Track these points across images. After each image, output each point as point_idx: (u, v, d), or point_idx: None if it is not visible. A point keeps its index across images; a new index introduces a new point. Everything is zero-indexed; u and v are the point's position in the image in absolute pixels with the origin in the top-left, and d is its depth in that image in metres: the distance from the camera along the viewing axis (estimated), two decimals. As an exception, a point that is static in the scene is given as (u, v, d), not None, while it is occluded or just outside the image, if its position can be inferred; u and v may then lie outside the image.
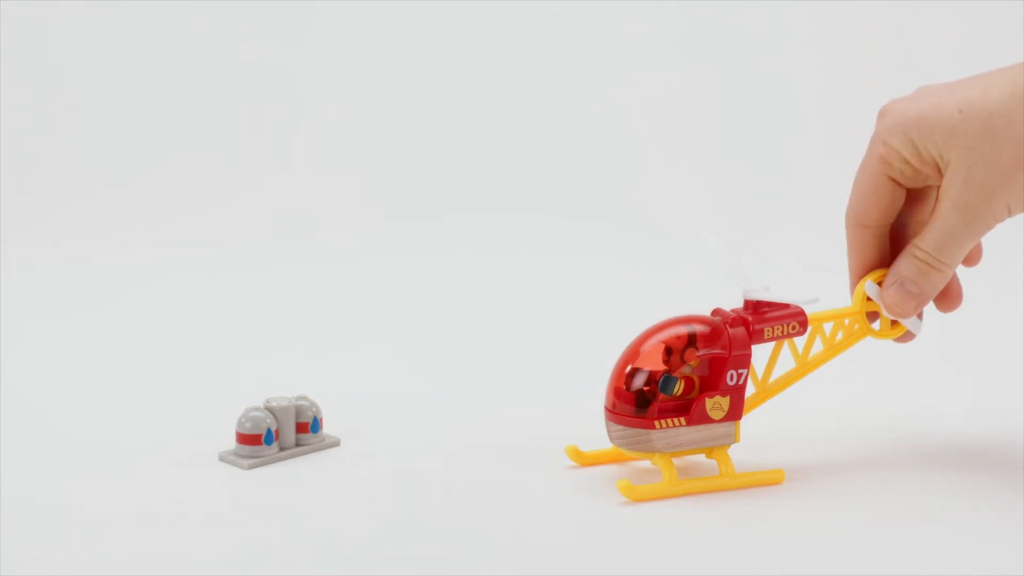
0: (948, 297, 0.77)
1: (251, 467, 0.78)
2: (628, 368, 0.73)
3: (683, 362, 0.73)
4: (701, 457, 0.76)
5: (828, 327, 0.76)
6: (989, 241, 0.76)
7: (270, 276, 1.21)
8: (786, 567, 0.66)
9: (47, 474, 0.77)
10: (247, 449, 0.78)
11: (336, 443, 0.82)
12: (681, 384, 0.73)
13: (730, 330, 0.73)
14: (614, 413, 0.73)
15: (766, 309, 0.74)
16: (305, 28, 1.49)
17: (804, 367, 0.76)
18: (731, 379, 0.73)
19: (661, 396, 0.73)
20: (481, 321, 1.08)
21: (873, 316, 0.77)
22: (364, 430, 0.84)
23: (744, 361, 0.73)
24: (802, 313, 0.74)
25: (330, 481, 0.77)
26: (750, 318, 0.73)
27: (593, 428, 0.83)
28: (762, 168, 1.36)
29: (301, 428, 0.80)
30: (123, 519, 0.71)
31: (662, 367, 0.73)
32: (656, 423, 0.72)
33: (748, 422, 0.75)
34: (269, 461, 0.79)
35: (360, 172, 1.40)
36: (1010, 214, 0.71)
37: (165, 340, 1.04)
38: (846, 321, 0.76)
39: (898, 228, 0.76)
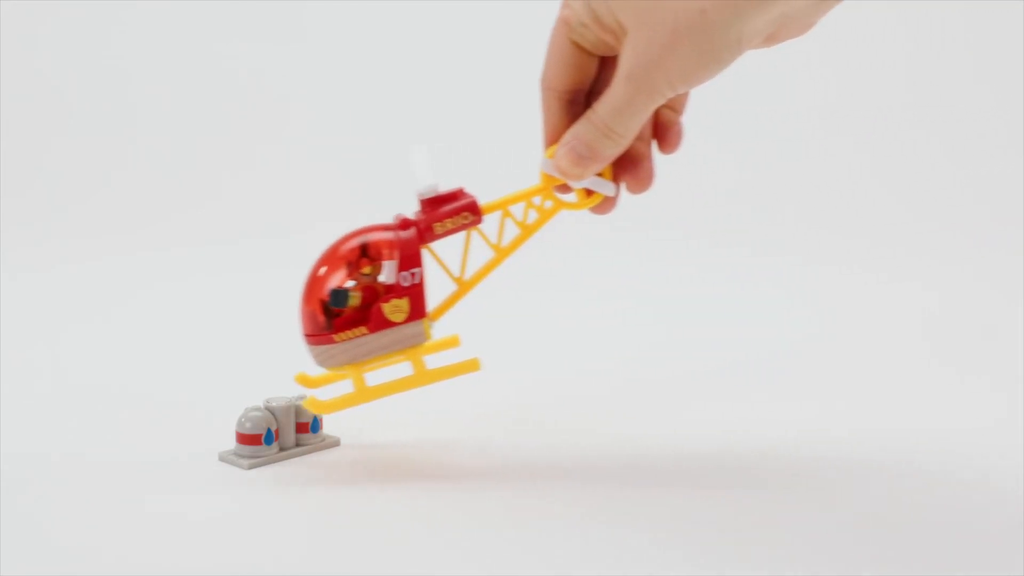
0: (638, 177, 0.74)
1: (251, 467, 0.78)
2: (310, 290, 0.74)
3: (360, 273, 0.74)
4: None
5: (518, 209, 0.75)
6: (989, 243, 0.75)
7: (270, 276, 1.20)
8: (785, 567, 0.66)
9: (47, 474, 0.77)
10: (247, 449, 0.78)
11: (336, 443, 0.82)
12: (358, 295, 0.74)
13: (400, 233, 0.74)
14: (306, 336, 0.75)
15: (436, 207, 0.74)
16: (298, 25, 1.49)
17: (500, 253, 0.76)
18: (405, 280, 0.74)
19: (342, 311, 0.74)
20: (481, 319, 1.08)
21: (566, 188, 0.75)
22: (364, 430, 0.84)
23: (414, 261, 0.74)
24: (473, 204, 0.75)
25: (330, 481, 0.77)
26: (421, 218, 0.74)
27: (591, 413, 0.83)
28: (776, 158, 1.36)
29: (301, 428, 0.80)
30: (123, 519, 0.71)
31: (344, 282, 0.74)
32: (335, 336, 0.74)
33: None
34: (269, 461, 0.79)
35: (358, 168, 1.40)
36: (672, 90, 0.67)
37: (165, 340, 1.04)
38: (536, 200, 0.75)
39: (595, 98, 0.72)
